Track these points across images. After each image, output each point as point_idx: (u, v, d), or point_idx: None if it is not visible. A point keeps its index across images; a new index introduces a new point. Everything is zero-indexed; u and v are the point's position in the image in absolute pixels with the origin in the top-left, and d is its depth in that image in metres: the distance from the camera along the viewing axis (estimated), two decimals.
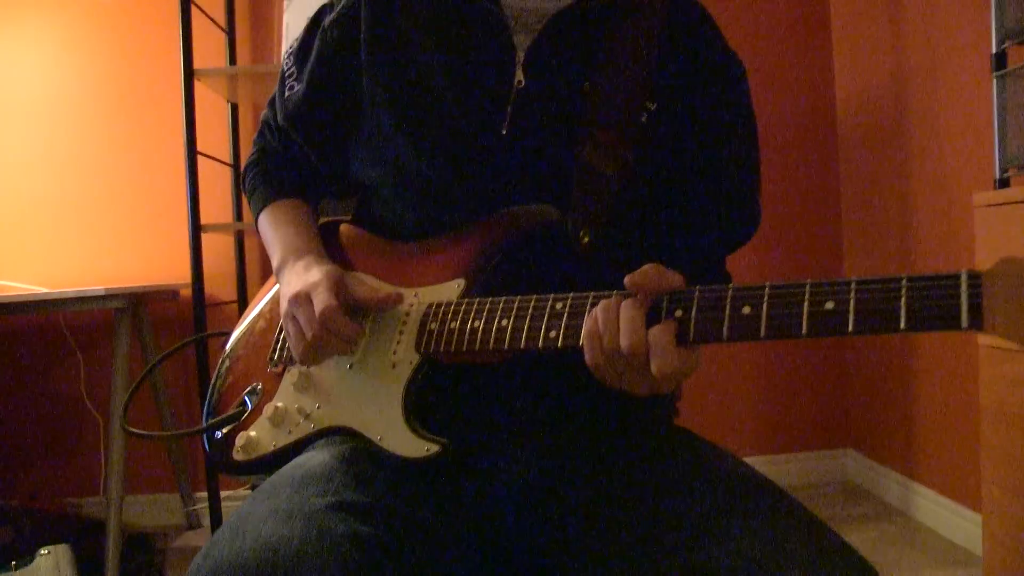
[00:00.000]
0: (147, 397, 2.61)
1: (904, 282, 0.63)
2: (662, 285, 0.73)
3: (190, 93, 2.36)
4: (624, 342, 0.71)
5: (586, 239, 0.90)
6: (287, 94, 1.10)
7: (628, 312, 0.72)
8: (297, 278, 0.93)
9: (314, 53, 1.08)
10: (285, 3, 2.74)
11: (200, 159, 2.41)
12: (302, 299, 0.89)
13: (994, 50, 1.43)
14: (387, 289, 0.92)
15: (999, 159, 1.43)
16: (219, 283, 2.75)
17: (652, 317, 0.72)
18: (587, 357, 0.75)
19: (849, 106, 2.79)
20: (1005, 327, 0.59)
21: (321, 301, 0.86)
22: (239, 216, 2.75)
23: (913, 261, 2.40)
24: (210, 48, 2.68)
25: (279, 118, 1.12)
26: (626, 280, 0.73)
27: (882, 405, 2.66)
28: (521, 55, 0.97)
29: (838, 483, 2.85)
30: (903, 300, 0.62)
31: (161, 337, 2.73)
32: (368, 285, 0.93)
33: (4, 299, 2.22)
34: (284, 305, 0.93)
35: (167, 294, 2.65)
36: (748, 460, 2.71)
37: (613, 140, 0.93)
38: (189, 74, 2.36)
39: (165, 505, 2.80)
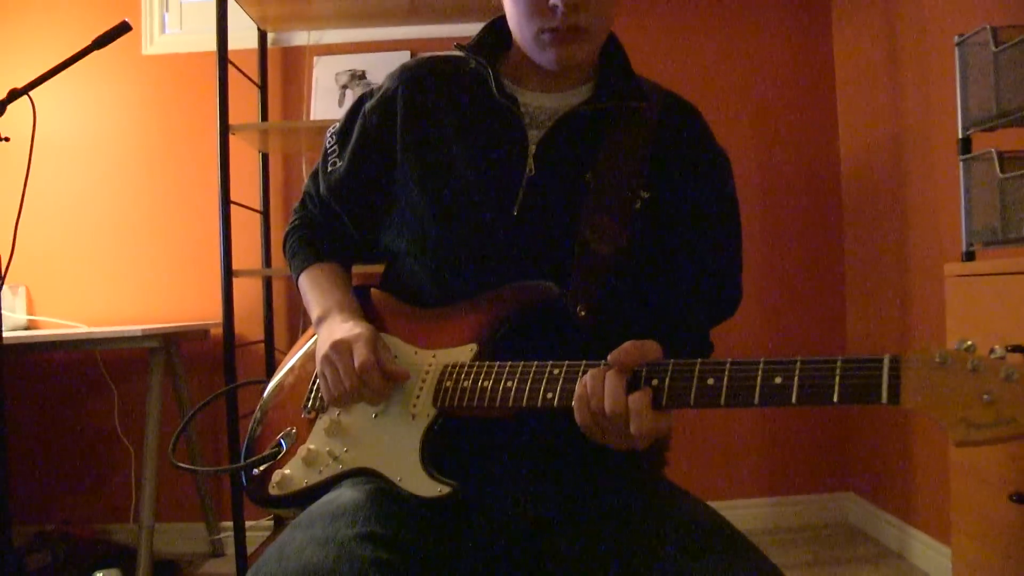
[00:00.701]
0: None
1: (839, 363, 0.75)
2: (640, 358, 0.86)
3: (225, 146, 2.49)
4: (608, 405, 0.84)
5: (583, 313, 1.02)
6: (329, 169, 1.24)
7: (612, 380, 0.85)
8: (340, 329, 1.06)
9: (355, 134, 1.21)
10: (314, 60, 2.92)
11: (232, 207, 2.53)
12: (343, 349, 1.01)
13: (960, 135, 1.54)
14: (402, 368, 1.03)
15: (965, 234, 1.54)
16: (248, 324, 2.87)
17: (632, 384, 0.85)
18: (576, 417, 0.88)
19: (852, 167, 2.89)
20: (915, 403, 0.71)
21: (361, 355, 0.99)
22: (268, 262, 2.88)
23: (910, 323, 2.48)
24: (244, 102, 2.83)
25: (321, 190, 1.25)
26: (608, 358, 0.86)
27: (881, 450, 2.71)
28: (533, 147, 1.10)
29: (838, 525, 2.90)
30: (837, 378, 0.75)
31: (192, 374, 2.86)
32: (391, 355, 1.05)
33: (48, 337, 2.36)
34: (324, 349, 1.04)
35: (198, 334, 2.78)
36: (751, 502, 2.81)
37: (610, 225, 1.06)
38: (225, 128, 2.49)
39: (191, 533, 2.90)
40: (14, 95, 1.66)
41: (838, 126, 2.96)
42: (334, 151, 1.24)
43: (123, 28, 1.69)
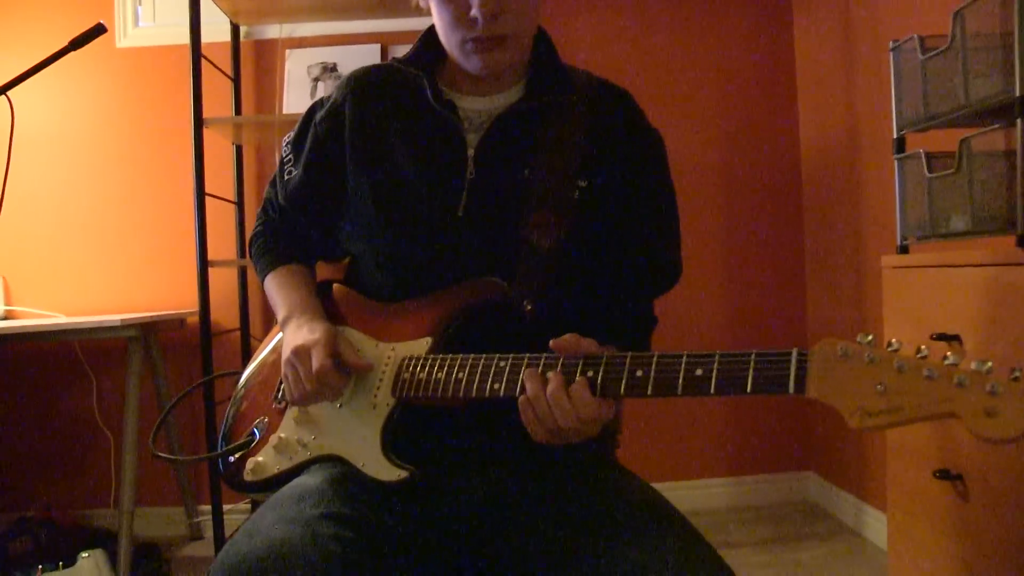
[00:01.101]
0: (156, 419, 2.80)
1: (753, 356, 0.83)
2: (576, 347, 0.94)
3: (199, 140, 2.54)
4: (551, 399, 0.92)
5: (528, 307, 1.09)
6: (287, 177, 1.30)
7: (552, 377, 0.93)
8: (300, 333, 1.13)
9: (308, 144, 1.28)
10: (287, 53, 2.96)
11: (207, 199, 2.59)
12: (302, 354, 1.08)
13: (895, 135, 1.63)
14: (365, 361, 1.10)
15: (900, 229, 1.63)
16: (223, 312, 2.93)
17: (569, 377, 0.93)
18: (524, 421, 0.96)
19: (812, 162, 2.97)
20: (819, 392, 0.80)
21: (318, 360, 1.06)
22: (243, 252, 2.93)
23: (865, 311, 2.57)
24: (218, 94, 2.88)
25: (280, 197, 1.32)
26: (551, 343, 0.94)
27: (840, 431, 2.80)
28: (472, 151, 1.16)
29: (799, 503, 3.00)
30: (751, 370, 0.83)
31: (169, 361, 2.92)
32: (354, 349, 1.12)
33: (27, 328, 2.40)
34: (287, 354, 1.12)
35: (175, 322, 2.84)
36: (715, 482, 2.92)
37: (549, 220, 1.12)
38: (199, 123, 2.54)
39: (171, 518, 2.98)
40: None
41: (799, 122, 3.04)
42: (290, 160, 1.31)
43: (99, 30, 1.73)
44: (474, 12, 1.07)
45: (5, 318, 2.90)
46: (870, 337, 0.81)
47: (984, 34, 1.33)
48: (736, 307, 3.03)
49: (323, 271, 1.36)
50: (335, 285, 1.28)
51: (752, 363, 0.83)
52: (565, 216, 1.14)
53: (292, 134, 1.33)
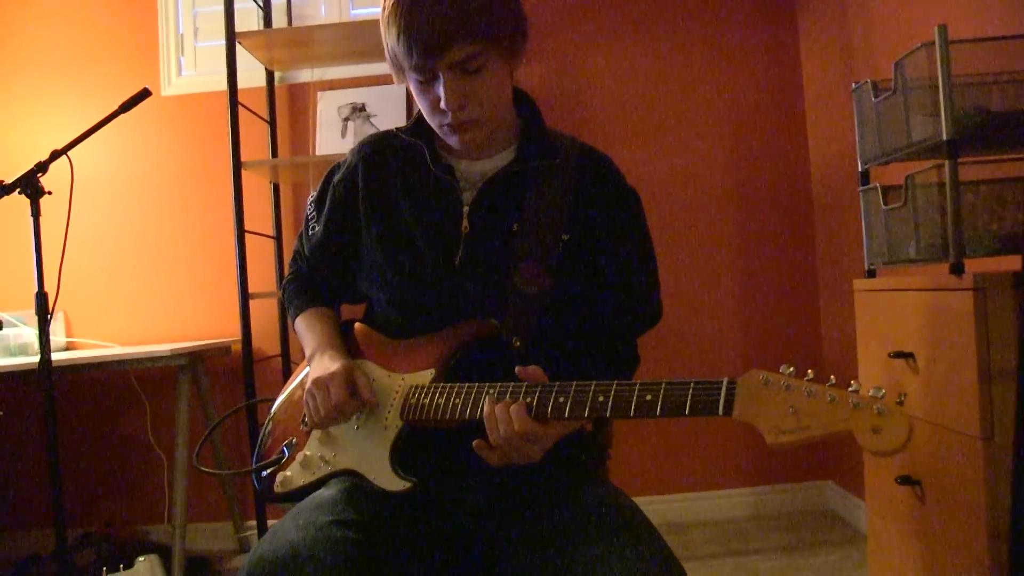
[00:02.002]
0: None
1: (692, 384, 0.98)
2: (538, 377, 1.11)
3: (238, 181, 2.76)
4: (498, 413, 1.09)
5: (517, 343, 1.25)
6: (310, 233, 1.48)
7: (514, 407, 1.09)
8: (322, 366, 1.30)
9: (327, 203, 1.45)
10: (318, 95, 3.16)
11: (247, 235, 2.80)
12: (321, 385, 1.25)
13: (859, 168, 1.75)
14: (372, 397, 1.26)
15: (867, 255, 1.74)
16: (265, 340, 3.13)
17: (514, 399, 1.11)
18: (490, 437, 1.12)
19: (821, 178, 3.06)
20: (743, 414, 0.94)
21: (335, 393, 1.23)
22: (281, 283, 3.11)
23: None
24: (255, 136, 3.10)
25: (306, 250, 1.51)
26: (516, 370, 1.12)
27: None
28: (466, 208, 1.32)
29: (818, 512, 3.09)
30: (689, 395, 0.98)
31: (216, 387, 3.13)
32: (368, 382, 1.27)
33: (87, 359, 2.61)
34: (309, 385, 1.28)
35: (221, 350, 3.04)
36: (737, 492, 3.02)
37: (535, 269, 1.28)
38: (237, 165, 2.76)
39: (220, 532, 3.18)
40: (55, 155, 1.91)
41: (808, 142, 3.14)
42: (313, 217, 1.48)
43: (144, 94, 1.94)
44: (442, 104, 1.22)
45: (66, 349, 3.14)
46: (791, 369, 0.96)
47: (923, 79, 1.46)
48: (752, 324, 3.14)
49: (349, 312, 1.54)
50: (357, 324, 1.44)
51: (691, 389, 0.98)
52: (550, 265, 1.29)
53: (315, 193, 1.50)
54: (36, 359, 2.02)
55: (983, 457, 1.32)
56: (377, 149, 1.42)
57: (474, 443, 1.13)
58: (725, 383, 0.97)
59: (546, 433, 1.10)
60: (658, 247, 1.43)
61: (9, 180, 1.93)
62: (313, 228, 1.48)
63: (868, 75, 2.52)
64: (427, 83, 1.22)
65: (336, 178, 1.45)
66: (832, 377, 0.93)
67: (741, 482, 3.15)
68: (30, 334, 2.99)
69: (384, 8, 1.22)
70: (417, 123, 1.37)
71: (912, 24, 2.22)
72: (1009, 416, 1.27)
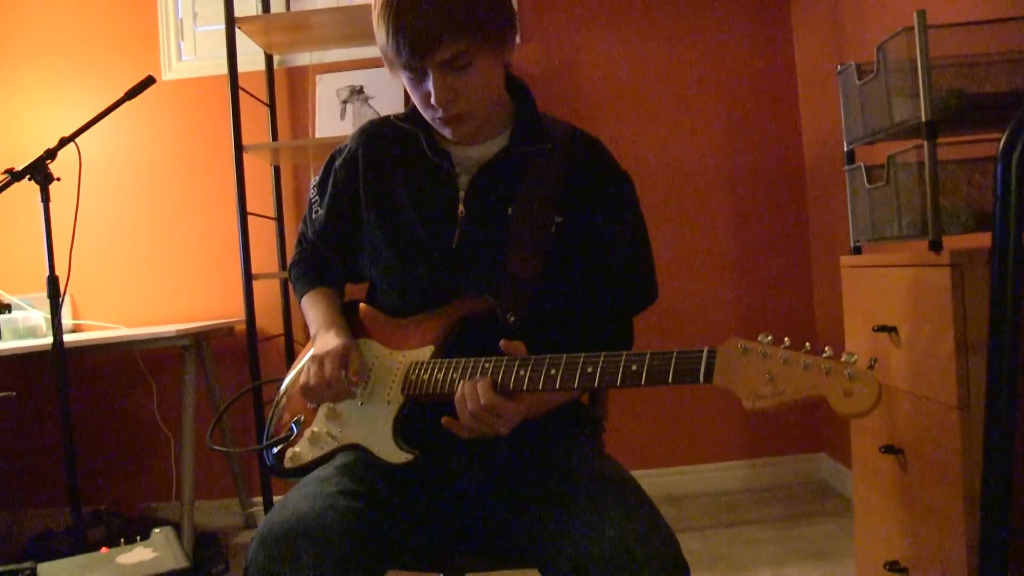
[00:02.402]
0: (210, 418, 3.07)
1: (675, 353, 1.04)
2: (518, 352, 1.16)
3: (240, 163, 2.81)
4: (467, 388, 1.15)
5: (512, 319, 1.30)
6: (313, 216, 1.53)
7: (472, 382, 1.16)
8: (323, 343, 1.36)
9: (329, 187, 1.50)
10: (317, 78, 3.20)
11: (249, 216, 2.86)
12: (317, 360, 1.31)
13: (845, 148, 1.80)
14: (362, 372, 1.33)
15: (852, 232, 1.79)
16: (268, 320, 3.18)
17: (484, 375, 1.17)
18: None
19: (814, 156, 3.10)
20: (722, 380, 1.00)
21: (328, 368, 1.29)
22: (283, 264, 3.19)
23: None
24: (256, 119, 3.14)
25: (309, 233, 1.56)
26: (501, 344, 1.17)
27: None
28: (462, 193, 1.37)
29: (812, 483, 3.14)
30: (672, 364, 1.04)
31: (220, 366, 3.19)
32: (361, 360, 1.34)
33: (94, 341, 2.66)
34: (307, 358, 1.35)
35: (225, 330, 3.10)
36: (732, 464, 3.13)
37: (528, 251, 1.32)
38: (239, 148, 2.81)
39: (227, 509, 3.24)
40: (64, 142, 1.96)
41: (800, 122, 3.17)
42: (316, 201, 1.53)
43: (148, 81, 1.99)
44: (432, 100, 1.26)
45: (73, 331, 3.20)
46: (769, 337, 1.01)
47: (904, 62, 1.51)
48: (747, 302, 3.19)
49: (353, 292, 1.59)
50: (360, 304, 1.49)
51: (674, 358, 1.04)
52: (543, 247, 1.34)
53: (317, 178, 1.55)
54: (44, 341, 2.07)
55: (959, 426, 1.37)
56: (376, 135, 1.47)
57: (443, 420, 1.19)
58: (706, 352, 1.02)
59: (515, 409, 1.16)
60: (653, 228, 1.46)
61: (10, 168, 1.96)
62: (316, 211, 1.53)
63: (858, 57, 2.56)
64: (418, 79, 1.27)
65: (337, 163, 1.50)
66: (807, 344, 0.98)
67: (736, 455, 3.21)
68: (38, 317, 3.05)
69: (375, 7, 1.26)
70: (414, 111, 1.40)
71: (900, 6, 2.26)
72: (983, 387, 1.33)
